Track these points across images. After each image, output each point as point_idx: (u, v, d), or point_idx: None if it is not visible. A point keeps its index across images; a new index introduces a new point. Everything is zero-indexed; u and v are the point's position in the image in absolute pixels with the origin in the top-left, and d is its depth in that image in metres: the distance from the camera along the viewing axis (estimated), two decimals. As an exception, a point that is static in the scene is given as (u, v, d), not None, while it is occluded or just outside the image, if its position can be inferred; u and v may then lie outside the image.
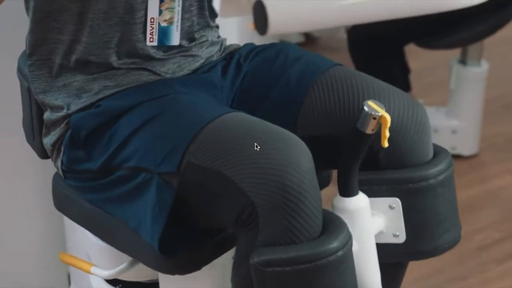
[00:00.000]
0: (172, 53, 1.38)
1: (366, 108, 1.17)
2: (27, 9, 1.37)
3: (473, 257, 2.28)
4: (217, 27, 1.49)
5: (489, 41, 2.74)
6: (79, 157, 1.35)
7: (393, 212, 1.33)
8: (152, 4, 1.32)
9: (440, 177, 1.33)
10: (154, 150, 1.23)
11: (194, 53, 1.41)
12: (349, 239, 1.18)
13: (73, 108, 1.35)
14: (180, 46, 1.38)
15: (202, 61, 1.42)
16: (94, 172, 1.33)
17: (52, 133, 1.39)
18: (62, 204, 1.49)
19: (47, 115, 1.39)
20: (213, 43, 1.45)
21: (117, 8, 1.32)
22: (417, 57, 3.21)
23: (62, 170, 1.39)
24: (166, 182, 1.21)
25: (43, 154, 1.47)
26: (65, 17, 1.32)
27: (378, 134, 1.21)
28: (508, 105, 3.19)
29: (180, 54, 1.39)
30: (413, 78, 3.01)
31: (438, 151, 1.39)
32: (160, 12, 1.33)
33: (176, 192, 1.21)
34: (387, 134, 1.19)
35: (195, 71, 1.41)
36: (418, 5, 0.87)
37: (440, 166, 1.34)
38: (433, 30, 2.50)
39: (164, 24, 1.34)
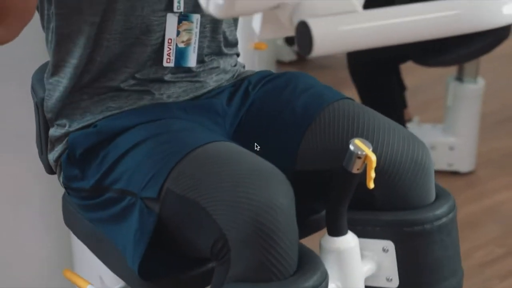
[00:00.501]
0: (180, 76, 1.37)
1: (351, 147, 1.14)
2: (46, 30, 1.37)
3: (476, 274, 2.28)
4: (237, 54, 1.49)
5: (483, 56, 2.76)
6: (74, 175, 1.36)
7: (387, 255, 1.28)
8: (170, 25, 1.32)
9: (438, 223, 1.27)
10: (139, 174, 1.23)
11: (202, 79, 1.40)
12: (324, 278, 1.14)
13: (75, 126, 1.36)
14: (189, 69, 1.37)
15: (209, 88, 1.41)
16: (87, 191, 1.33)
17: (56, 149, 1.40)
18: (68, 220, 1.49)
19: (51, 131, 1.41)
20: (225, 71, 1.43)
21: (133, 29, 1.32)
22: (413, 73, 3.23)
23: (64, 187, 1.40)
24: (148, 207, 1.21)
25: (49, 169, 1.48)
26: (82, 38, 1.32)
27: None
28: (501, 120, 3.21)
29: (187, 79, 1.38)
30: (409, 95, 3.03)
31: (441, 194, 1.33)
32: (178, 33, 1.33)
33: (158, 218, 1.20)
34: (373, 175, 1.15)
35: (200, 95, 1.40)
36: (473, 23, 0.86)
37: (438, 211, 1.28)
38: (431, 48, 2.52)
39: (181, 45, 1.34)
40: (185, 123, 1.31)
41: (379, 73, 2.65)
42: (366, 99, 2.68)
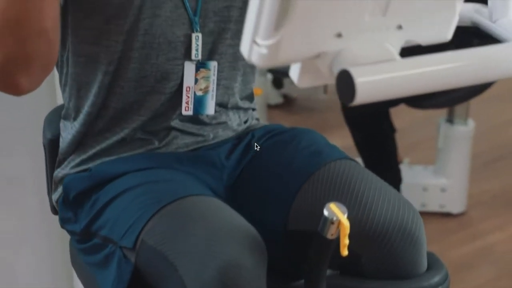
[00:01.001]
0: (187, 126, 1.37)
1: (325, 212, 1.11)
2: (60, 73, 1.38)
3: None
4: (253, 109, 1.48)
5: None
6: (68, 218, 1.37)
7: None
8: (188, 73, 1.32)
9: None
10: (120, 222, 1.24)
11: (205, 133, 1.39)
12: None
13: (73, 168, 1.38)
14: (196, 119, 1.37)
15: (211, 142, 1.40)
16: (78, 235, 1.34)
17: (58, 190, 1.42)
18: (73, 260, 1.50)
19: (56, 172, 1.42)
20: (232, 129, 1.42)
21: (148, 77, 1.32)
22: (400, 115, 3.26)
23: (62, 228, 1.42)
24: (126, 256, 1.22)
25: (53, 209, 1.49)
26: (96, 85, 1.33)
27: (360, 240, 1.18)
28: (489, 161, 3.24)
29: (192, 131, 1.38)
30: (398, 136, 3.05)
31: (434, 264, 1.30)
32: (196, 81, 1.33)
33: (135, 268, 1.21)
34: (346, 241, 1.11)
35: (199, 148, 1.40)
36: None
37: (428, 283, 1.25)
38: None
39: (199, 93, 1.34)
40: (175, 174, 1.31)
41: (372, 117, 2.67)
42: (360, 142, 2.70)
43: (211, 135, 1.39)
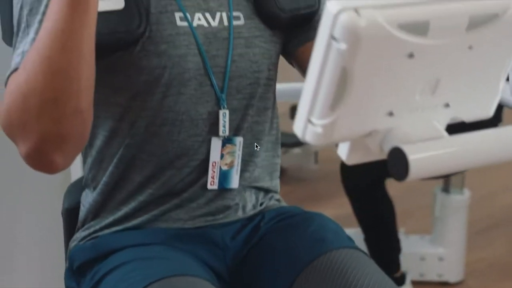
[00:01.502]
0: (202, 204, 1.38)
1: None
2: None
3: None
4: (276, 192, 1.48)
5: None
6: (72, 287, 1.39)
7: None
8: (215, 149, 1.34)
9: None
10: None
11: (212, 215, 1.38)
12: None
13: (81, 234, 1.40)
14: (208, 192, 1.38)
15: (220, 221, 1.40)
16: None
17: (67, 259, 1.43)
18: None
19: (71, 240, 1.44)
20: (244, 211, 1.42)
21: (169, 152, 1.33)
22: (392, 184, 3.29)
23: None
24: None
25: None
26: (117, 158, 1.35)
27: None
28: (484, 229, 3.27)
29: (200, 208, 1.38)
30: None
31: None
32: (222, 156, 1.35)
33: None
34: None
35: (205, 226, 1.39)
36: None
37: None
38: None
39: (225, 168, 1.35)
40: (172, 251, 1.32)
41: (370, 187, 2.69)
42: (359, 212, 2.72)
43: (221, 215, 1.39)
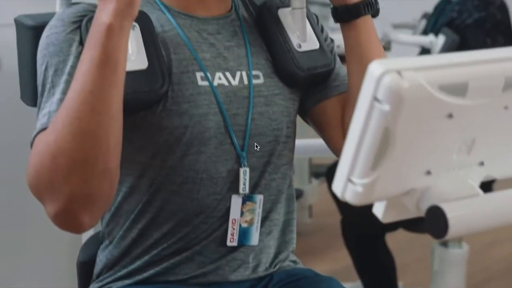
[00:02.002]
0: (214, 259, 1.38)
1: None
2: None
3: None
4: (292, 250, 1.48)
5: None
6: None
7: None
8: (235, 206, 1.35)
9: None
10: None
11: (228, 276, 1.38)
12: None
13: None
14: (222, 248, 1.38)
15: (230, 279, 1.40)
16: None
17: None
18: None
19: None
20: (255, 271, 1.42)
21: (187, 210, 1.34)
22: (394, 235, 3.30)
23: None
24: None
25: None
26: (134, 214, 1.36)
27: None
28: (481, 282, 3.27)
29: (211, 263, 1.38)
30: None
31: None
32: (242, 213, 1.35)
33: None
34: None
35: (212, 284, 1.39)
36: None
37: None
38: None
39: (245, 225, 1.36)
40: None
41: (372, 239, 2.70)
42: (359, 265, 2.72)
43: (232, 273, 1.39)
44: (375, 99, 0.82)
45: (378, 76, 0.81)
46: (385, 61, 0.82)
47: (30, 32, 1.37)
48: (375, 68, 0.82)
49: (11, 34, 1.56)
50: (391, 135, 0.84)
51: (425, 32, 2.83)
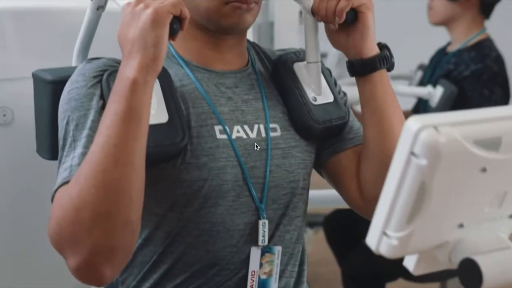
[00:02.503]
0: None
1: None
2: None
3: None
4: None
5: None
6: None
7: None
8: (254, 258, 1.35)
9: None
10: None
11: None
12: None
13: None
14: None
15: None
16: None
17: None
18: None
19: None
20: None
21: (202, 262, 1.34)
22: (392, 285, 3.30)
23: None
24: None
25: None
26: (147, 264, 1.36)
27: None
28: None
29: None
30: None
31: None
32: (261, 265, 1.36)
33: None
34: None
35: None
36: None
37: None
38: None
39: (263, 276, 1.36)
40: None
41: (370, 279, 2.70)
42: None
43: None
44: (412, 153, 0.84)
45: (416, 131, 0.83)
46: (422, 117, 0.84)
47: (49, 86, 1.38)
48: (412, 124, 0.83)
49: (23, 87, 1.58)
50: (427, 189, 0.85)
51: (421, 83, 2.87)
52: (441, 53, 2.85)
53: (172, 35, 1.20)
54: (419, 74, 2.97)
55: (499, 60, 2.66)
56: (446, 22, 2.81)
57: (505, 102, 2.65)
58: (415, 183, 0.85)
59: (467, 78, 2.60)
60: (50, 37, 1.64)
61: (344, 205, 1.52)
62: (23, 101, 1.58)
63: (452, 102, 2.56)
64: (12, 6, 1.64)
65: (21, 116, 1.58)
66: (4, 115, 1.56)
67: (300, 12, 2.58)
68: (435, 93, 2.61)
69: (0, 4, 1.64)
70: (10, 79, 1.60)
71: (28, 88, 1.54)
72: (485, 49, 2.66)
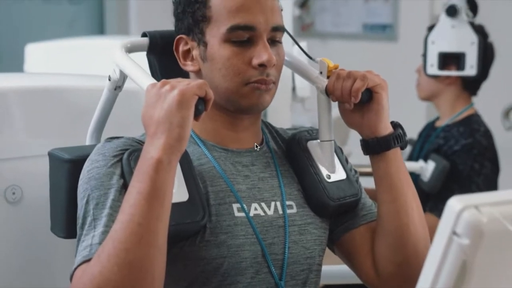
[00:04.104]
0: None
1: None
2: None
3: None
4: None
5: None
6: None
7: None
8: None
9: None
10: None
11: None
12: None
13: None
14: None
15: None
16: None
17: None
18: None
19: None
20: None
21: None
22: None
23: None
24: None
25: None
26: None
27: None
28: None
29: None
30: None
31: None
32: None
33: None
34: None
35: None
36: None
37: None
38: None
39: None
40: None
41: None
42: None
43: None
44: (454, 233, 0.86)
45: (458, 211, 0.85)
46: (463, 197, 0.86)
47: (67, 165, 1.39)
48: (454, 204, 0.86)
49: (32, 166, 1.58)
50: (468, 267, 0.87)
51: (410, 158, 2.90)
52: (430, 127, 2.89)
53: (197, 116, 1.23)
54: (408, 149, 3.00)
55: (487, 135, 2.70)
56: (432, 98, 2.86)
57: (494, 175, 2.69)
58: (457, 262, 0.86)
59: (457, 152, 2.64)
60: (58, 116, 1.65)
61: (352, 280, 1.53)
62: (32, 179, 1.58)
63: (444, 176, 2.59)
64: (17, 85, 1.66)
65: (30, 194, 1.58)
66: (14, 193, 1.56)
67: (293, 89, 2.63)
68: (426, 167, 2.64)
69: (7, 84, 1.66)
70: (18, 157, 1.60)
71: (37, 166, 1.55)
72: (473, 124, 2.71)
